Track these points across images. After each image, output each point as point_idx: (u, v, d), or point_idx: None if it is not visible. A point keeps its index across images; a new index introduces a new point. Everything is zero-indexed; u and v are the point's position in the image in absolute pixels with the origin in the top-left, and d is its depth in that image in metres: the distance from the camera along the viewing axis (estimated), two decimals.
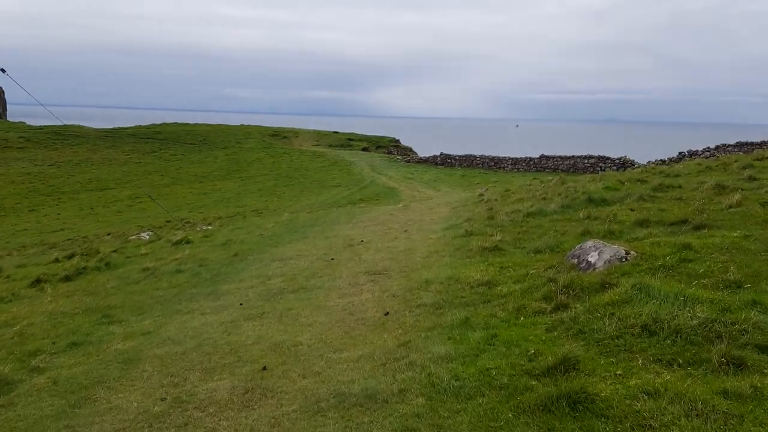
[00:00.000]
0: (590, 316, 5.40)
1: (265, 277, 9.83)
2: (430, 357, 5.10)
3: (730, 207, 9.91)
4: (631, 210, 11.13)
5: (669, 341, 4.73)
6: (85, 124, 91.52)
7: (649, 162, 40.05)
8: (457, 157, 50.34)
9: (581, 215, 10.97)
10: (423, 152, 64.43)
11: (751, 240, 7.21)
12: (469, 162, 49.28)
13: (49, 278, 12.33)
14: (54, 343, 7.28)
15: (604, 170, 41.14)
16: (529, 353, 4.87)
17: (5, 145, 73.77)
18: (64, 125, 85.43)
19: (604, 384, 4.21)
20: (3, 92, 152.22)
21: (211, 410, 4.83)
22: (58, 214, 46.13)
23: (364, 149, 65.80)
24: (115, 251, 16.63)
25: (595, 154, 43.99)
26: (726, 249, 6.90)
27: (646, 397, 3.93)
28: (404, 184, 40.67)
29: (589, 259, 7.45)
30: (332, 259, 10.87)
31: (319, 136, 75.28)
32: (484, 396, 4.30)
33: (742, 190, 11.37)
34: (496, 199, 16.98)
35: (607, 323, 5.15)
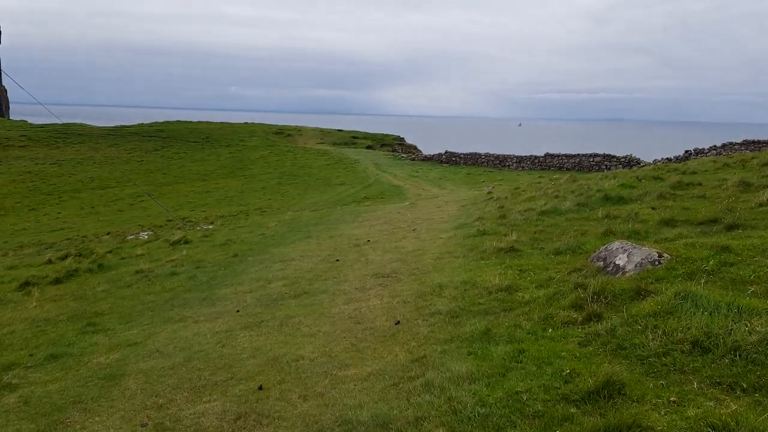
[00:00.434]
0: (629, 329, 4.75)
1: (265, 281, 9.20)
2: (450, 376, 4.46)
3: (761, 205, 9.24)
4: (653, 208, 10.47)
5: (727, 360, 4.08)
6: (89, 123, 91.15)
7: (655, 160, 39.40)
8: (462, 155, 49.71)
9: (600, 214, 10.31)
10: (427, 150, 63.74)
11: None
12: (474, 160, 48.65)
13: (38, 281, 11.74)
14: (32, 355, 6.67)
15: (609, 168, 40.50)
16: (563, 373, 4.22)
17: (6, 143, 73.42)
18: (66, 124, 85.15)
19: (657, 414, 3.56)
20: (6, 91, 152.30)
21: None
22: (59, 213, 45.66)
23: (369, 147, 65.14)
24: (110, 252, 16.03)
25: (600, 152, 43.33)
26: None
27: None
28: (409, 182, 40.02)
29: (617, 262, 6.80)
30: (337, 260, 10.24)
31: (323, 134, 74.65)
32: (515, 427, 3.66)
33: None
34: (506, 197, 16.31)
35: (650, 338, 4.50)
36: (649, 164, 39.06)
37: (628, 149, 50.90)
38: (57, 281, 11.90)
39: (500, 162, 47.23)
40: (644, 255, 6.58)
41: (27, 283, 11.60)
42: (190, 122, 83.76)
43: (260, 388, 4.98)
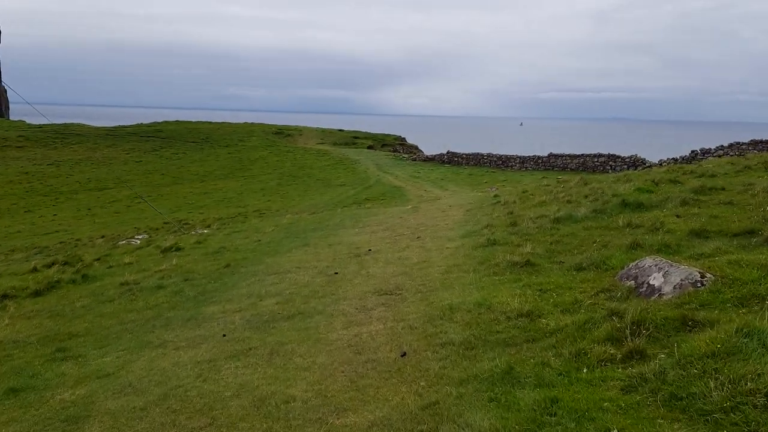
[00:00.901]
0: (683, 373, 3.96)
1: (256, 297, 8.42)
2: None
3: None
4: (677, 216, 9.68)
5: None
6: (87, 123, 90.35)
7: (661, 161, 38.69)
8: (464, 156, 48.96)
9: (620, 222, 9.52)
10: (428, 150, 62.96)
11: None
12: (476, 161, 47.90)
13: (17, 293, 10.97)
14: None
15: (614, 169, 39.77)
16: None
17: (4, 144, 72.73)
18: (65, 124, 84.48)
19: None
20: (5, 91, 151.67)
21: None
22: (54, 215, 44.95)
23: (370, 147, 64.35)
24: (98, 259, 15.26)
25: (605, 152, 42.58)
26: None
27: None
28: (411, 183, 39.24)
29: (652, 282, 6.02)
30: (336, 273, 9.46)
31: (323, 134, 73.87)
32: None
33: None
34: (514, 202, 15.52)
35: (712, 386, 3.72)
36: (655, 164, 38.29)
37: (632, 149, 50.12)
38: (37, 294, 11.14)
39: (503, 162, 46.49)
40: (684, 275, 5.79)
41: (5, 296, 10.84)
42: (189, 122, 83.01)
43: None
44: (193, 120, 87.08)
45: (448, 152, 50.43)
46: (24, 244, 31.89)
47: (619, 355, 4.46)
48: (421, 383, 4.70)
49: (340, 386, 4.93)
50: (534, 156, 45.57)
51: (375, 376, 5.03)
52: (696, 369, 3.96)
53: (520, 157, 46.22)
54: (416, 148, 67.22)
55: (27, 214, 46.15)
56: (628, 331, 4.71)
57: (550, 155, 44.39)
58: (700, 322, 4.73)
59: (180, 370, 5.80)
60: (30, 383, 5.96)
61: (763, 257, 6.02)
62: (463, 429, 3.78)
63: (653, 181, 14.01)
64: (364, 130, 78.55)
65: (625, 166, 39.50)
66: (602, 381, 4.16)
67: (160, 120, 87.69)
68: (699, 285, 5.63)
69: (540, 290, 6.53)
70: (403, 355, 5.35)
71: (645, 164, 39.15)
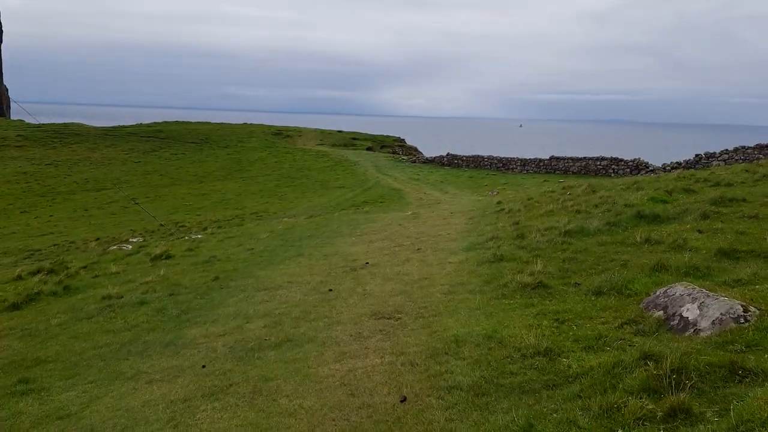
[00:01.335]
0: None
1: (243, 318, 7.72)
2: None
3: None
4: (699, 231, 8.99)
5: None
6: (87, 123, 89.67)
7: (664, 165, 38.12)
8: (464, 158, 48.32)
9: (638, 237, 8.82)
10: (428, 152, 62.32)
11: None
12: (476, 163, 47.26)
13: None
14: None
15: (617, 173, 39.16)
16: None
17: (3, 143, 72.15)
18: (64, 124, 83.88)
19: None
20: (7, 90, 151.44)
21: None
22: (51, 215, 44.35)
23: (369, 149, 63.70)
24: (84, 267, 14.58)
25: (607, 155, 41.94)
26: None
27: None
28: (410, 185, 38.58)
29: (686, 315, 5.33)
30: (330, 290, 8.77)
31: (323, 135, 73.24)
32: None
33: None
34: (519, 210, 14.82)
35: None
36: (659, 168, 37.63)
37: (632, 151, 49.45)
38: (14, 307, 10.46)
39: (503, 165, 45.85)
40: (724, 308, 5.10)
41: None
42: (189, 123, 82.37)
43: None
44: (193, 120, 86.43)
45: (448, 154, 49.79)
46: (17, 246, 31.24)
47: (660, 413, 3.77)
48: None
49: None
50: (535, 159, 44.93)
51: (370, 427, 4.33)
52: None
53: (520, 160, 45.58)
54: (416, 149, 66.59)
55: (23, 214, 45.55)
56: (667, 381, 4.01)
57: (552, 158, 43.73)
58: (752, 371, 4.04)
59: (150, 411, 5.11)
60: None
61: None
62: None
63: (666, 191, 13.31)
64: (363, 131, 77.92)
65: (628, 170, 38.91)
66: None
67: (160, 120, 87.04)
68: (742, 321, 4.94)
69: (556, 320, 5.84)
70: (403, 400, 4.66)
71: (648, 168, 38.53)
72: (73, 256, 19.47)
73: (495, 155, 48.03)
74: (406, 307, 7.31)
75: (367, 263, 10.60)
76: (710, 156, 36.16)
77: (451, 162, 48.51)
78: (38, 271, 14.91)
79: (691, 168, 34.25)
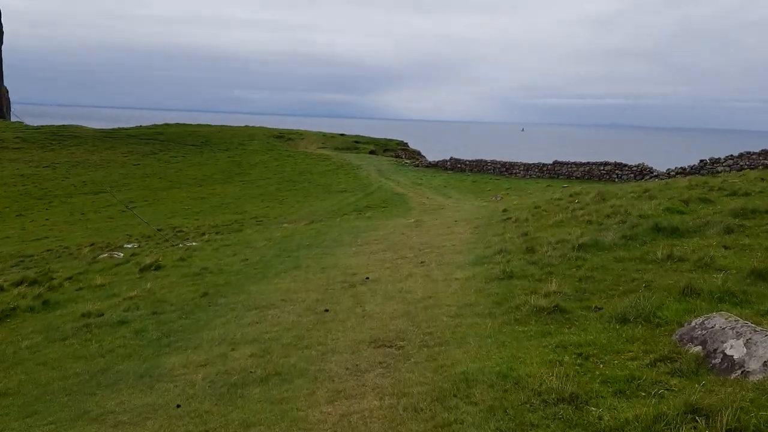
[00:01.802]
0: None
1: (229, 344, 7.02)
2: None
3: None
4: (725, 248, 8.28)
5: None
6: (89, 124, 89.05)
7: (669, 170, 37.48)
8: (467, 162, 47.70)
9: (659, 254, 8.11)
10: (431, 155, 61.66)
11: None
12: (479, 167, 46.63)
13: None
14: None
15: (621, 178, 38.51)
16: None
17: (1, 145, 71.66)
18: (62, 125, 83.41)
19: None
20: (7, 91, 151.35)
21: None
22: (47, 219, 43.78)
23: (371, 152, 63.05)
24: (70, 278, 13.93)
25: (611, 160, 41.29)
26: None
27: None
28: (413, 190, 37.90)
29: (729, 353, 4.63)
30: (326, 310, 8.07)
31: (325, 138, 72.60)
32: None
33: None
34: (527, 219, 14.11)
35: None
36: (663, 174, 36.88)
37: (635, 156, 48.74)
38: None
39: (507, 169, 45.19)
40: None
41: None
42: (189, 125, 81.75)
43: None
44: (194, 123, 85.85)
45: (451, 158, 49.16)
46: (10, 252, 30.63)
47: None
48: None
49: None
50: (538, 163, 44.29)
51: None
52: None
53: (524, 164, 44.95)
54: (419, 153, 65.96)
55: (19, 218, 44.98)
56: None
57: (555, 163, 43.06)
58: None
59: None
60: None
61: None
62: None
63: (682, 200, 12.59)
64: (365, 135, 77.25)
65: (632, 175, 38.27)
66: None
67: (165, 122, 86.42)
68: None
69: (579, 354, 5.13)
70: None
71: (652, 173, 37.85)
72: (62, 264, 18.81)
73: (498, 159, 47.39)
74: (409, 332, 6.61)
75: (368, 278, 9.91)
76: (715, 161, 35.49)
77: (454, 166, 47.89)
78: (22, 282, 14.27)
79: (696, 173, 33.52)
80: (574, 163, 42.05)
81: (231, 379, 5.82)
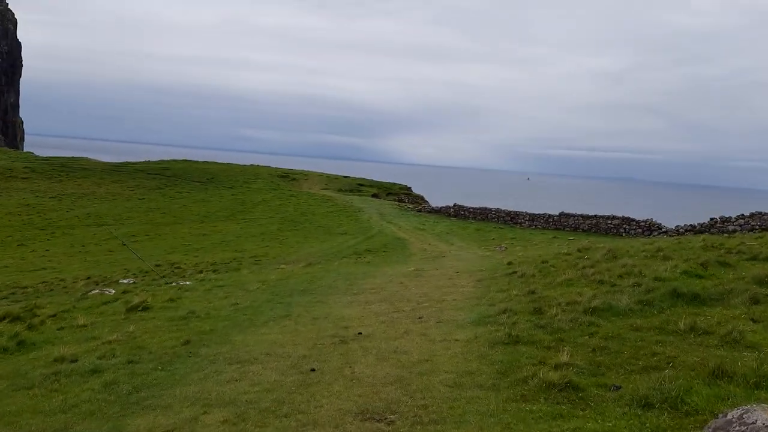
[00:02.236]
0: None
1: (202, 405, 6.32)
2: None
3: None
4: (753, 321, 7.60)
5: None
6: (100, 157, 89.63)
7: (677, 227, 36.95)
8: (471, 210, 47.19)
9: (681, 325, 7.43)
10: (434, 201, 61.44)
11: None
12: (483, 215, 46.10)
13: None
14: None
15: (629, 232, 37.95)
16: None
17: (10, 174, 72.15)
18: (72, 158, 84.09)
19: None
20: (22, 123, 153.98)
21: None
22: (47, 249, 43.42)
23: (374, 196, 62.89)
24: (54, 315, 13.28)
25: (619, 214, 40.76)
26: None
27: None
28: (415, 235, 37.31)
29: None
30: (312, 370, 7.38)
31: (329, 179, 72.72)
32: None
33: None
34: (533, 275, 13.45)
35: None
36: (672, 230, 36.28)
37: (642, 210, 48.28)
38: None
39: (512, 219, 44.63)
40: None
41: None
42: (197, 162, 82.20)
43: None
44: (201, 159, 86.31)
45: (455, 205, 48.73)
46: (5, 282, 30.06)
47: None
48: None
49: None
50: (544, 214, 43.74)
51: None
52: None
53: (529, 215, 44.41)
54: (422, 198, 65.76)
55: (20, 247, 44.64)
56: None
57: (561, 214, 42.50)
58: None
59: None
60: None
61: None
62: None
63: (700, 263, 11.94)
64: (370, 178, 77.35)
65: (640, 230, 37.73)
66: None
67: (176, 157, 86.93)
68: None
69: None
70: None
71: (661, 229, 37.29)
72: (51, 299, 18.17)
73: (503, 208, 46.96)
74: (402, 403, 5.92)
75: (360, 333, 9.23)
76: (726, 220, 34.92)
77: (457, 213, 47.40)
78: (4, 317, 13.61)
79: (706, 232, 32.88)
80: (581, 216, 41.51)
81: None
